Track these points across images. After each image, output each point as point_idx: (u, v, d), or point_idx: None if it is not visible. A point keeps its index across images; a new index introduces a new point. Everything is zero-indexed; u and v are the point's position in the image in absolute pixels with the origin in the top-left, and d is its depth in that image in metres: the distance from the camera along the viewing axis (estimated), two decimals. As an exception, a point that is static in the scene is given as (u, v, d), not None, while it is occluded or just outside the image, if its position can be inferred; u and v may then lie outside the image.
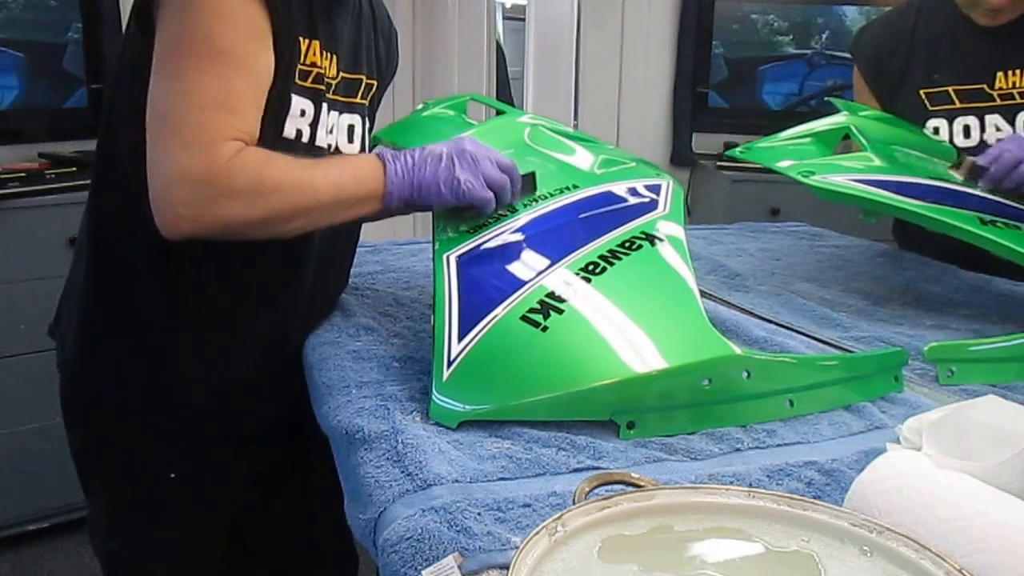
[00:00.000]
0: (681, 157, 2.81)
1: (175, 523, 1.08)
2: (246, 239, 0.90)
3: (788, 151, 1.23)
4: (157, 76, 0.86)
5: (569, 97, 2.84)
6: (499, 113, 1.21)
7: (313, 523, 1.23)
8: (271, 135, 0.91)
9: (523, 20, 2.85)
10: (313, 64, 0.96)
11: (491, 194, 0.93)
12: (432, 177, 0.92)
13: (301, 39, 0.93)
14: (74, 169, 2.12)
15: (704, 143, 2.77)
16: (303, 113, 0.96)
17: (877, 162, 1.20)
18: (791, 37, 2.73)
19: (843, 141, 1.31)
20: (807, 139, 1.25)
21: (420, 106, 1.22)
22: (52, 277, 2.04)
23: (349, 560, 1.27)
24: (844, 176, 1.15)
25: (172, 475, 1.05)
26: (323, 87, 0.98)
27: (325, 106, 0.99)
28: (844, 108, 1.34)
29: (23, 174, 2.06)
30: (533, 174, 1.01)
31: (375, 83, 1.11)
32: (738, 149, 1.23)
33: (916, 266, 1.39)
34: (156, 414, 1.04)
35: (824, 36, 2.70)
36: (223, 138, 0.84)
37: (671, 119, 2.82)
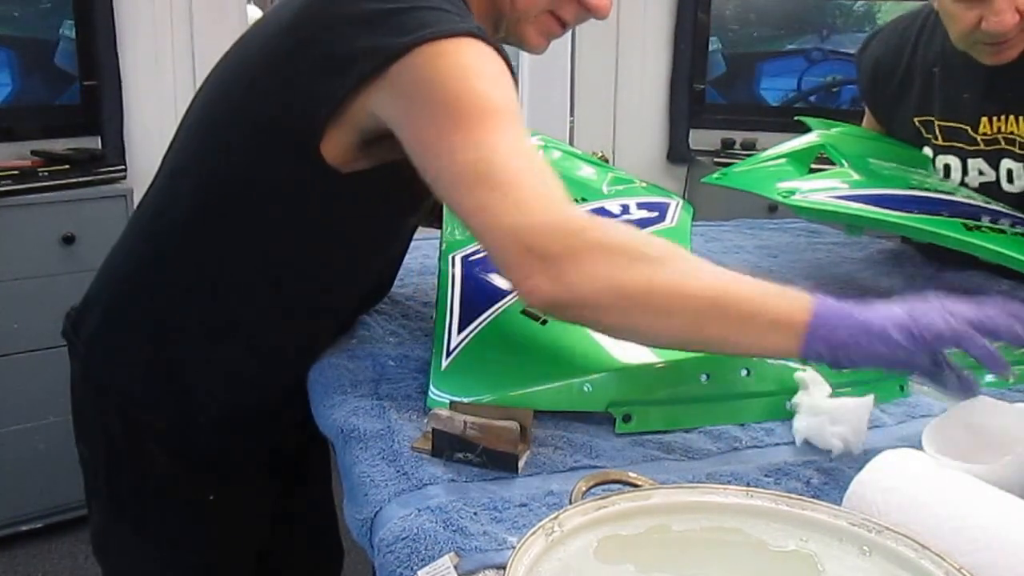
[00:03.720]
0: (678, 154, 2.80)
1: (203, 546, 1.03)
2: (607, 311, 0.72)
3: (766, 173, 1.23)
4: (436, 160, 0.76)
5: (565, 93, 2.83)
6: None
7: (321, 530, 1.23)
8: None
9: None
10: None
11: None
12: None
13: None
14: (67, 167, 2.11)
15: (701, 139, 2.77)
16: None
17: (856, 177, 1.21)
18: (789, 32, 2.72)
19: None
20: (782, 160, 1.26)
21: None
22: (45, 276, 2.06)
23: (338, 552, 1.27)
24: (825, 194, 1.15)
25: (211, 497, 1.00)
26: None
27: None
28: (815, 127, 1.34)
29: (15, 172, 2.05)
30: None
31: None
32: (715, 176, 1.24)
33: (915, 264, 1.39)
34: (189, 434, 0.99)
35: (823, 32, 2.69)
36: (557, 186, 0.74)
37: (668, 115, 2.82)
